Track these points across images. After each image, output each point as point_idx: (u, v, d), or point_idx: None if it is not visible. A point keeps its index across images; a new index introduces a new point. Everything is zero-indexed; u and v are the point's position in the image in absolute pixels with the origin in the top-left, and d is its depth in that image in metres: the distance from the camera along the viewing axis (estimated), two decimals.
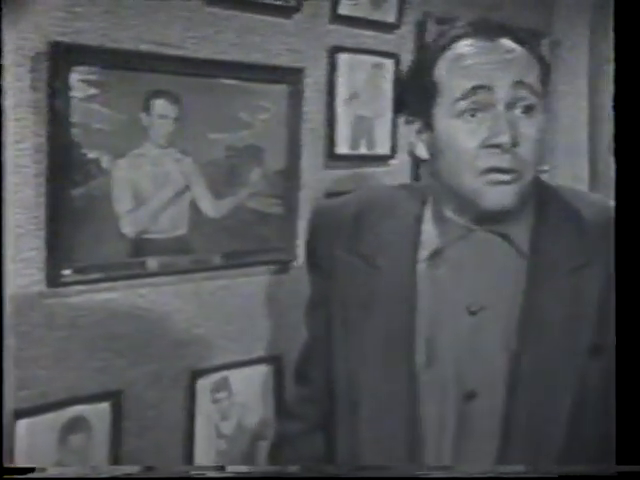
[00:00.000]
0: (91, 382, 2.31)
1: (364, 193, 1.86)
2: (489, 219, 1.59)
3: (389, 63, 2.96)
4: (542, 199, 1.64)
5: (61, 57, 2.13)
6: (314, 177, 2.83)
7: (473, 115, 1.52)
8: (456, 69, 1.53)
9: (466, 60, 1.53)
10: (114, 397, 2.34)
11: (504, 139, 1.49)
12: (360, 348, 1.65)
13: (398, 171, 3.04)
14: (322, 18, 2.84)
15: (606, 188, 3.30)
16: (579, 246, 1.59)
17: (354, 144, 2.94)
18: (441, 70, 1.55)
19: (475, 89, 1.50)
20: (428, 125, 1.58)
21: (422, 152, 1.63)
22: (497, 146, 1.49)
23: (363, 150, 2.97)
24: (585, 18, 3.42)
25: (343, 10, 2.86)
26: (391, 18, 2.97)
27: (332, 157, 2.89)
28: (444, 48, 1.56)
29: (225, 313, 2.63)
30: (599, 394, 1.53)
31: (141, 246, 2.37)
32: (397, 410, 1.62)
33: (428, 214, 1.67)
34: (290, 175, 2.75)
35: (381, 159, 3.03)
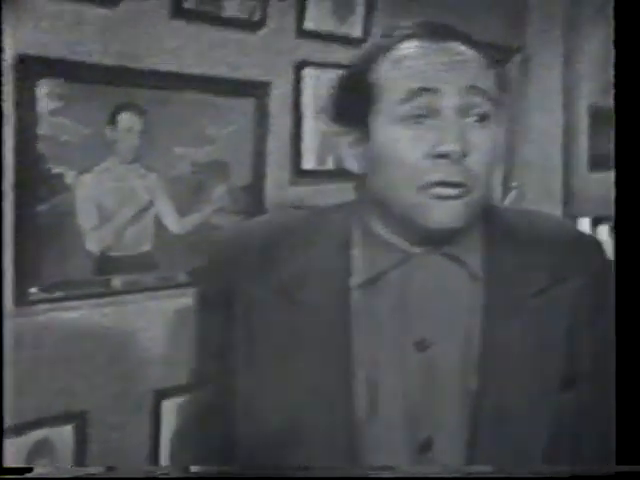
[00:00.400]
0: (55, 403, 2.27)
1: (276, 217, 1.63)
2: (435, 240, 1.39)
3: None
4: (491, 218, 1.46)
5: (27, 70, 2.11)
6: (279, 193, 2.82)
7: (417, 122, 1.32)
8: (399, 70, 1.35)
9: (411, 61, 1.35)
10: (78, 419, 2.31)
11: (453, 148, 1.30)
12: (281, 402, 1.39)
13: None
14: (288, 33, 2.85)
15: (583, 204, 3.34)
16: (540, 267, 1.42)
17: (321, 160, 2.94)
18: (381, 72, 1.36)
19: (420, 91, 1.32)
20: (364, 135, 1.37)
21: (354, 165, 1.42)
22: (444, 156, 1.31)
23: (330, 166, 2.97)
24: (558, 34, 3.46)
25: (309, 25, 2.87)
26: (357, 32, 2.98)
27: (298, 173, 2.88)
28: (386, 49, 1.37)
29: (190, 332, 2.59)
30: (576, 426, 1.39)
31: (105, 263, 2.34)
32: (338, 470, 1.38)
33: (358, 236, 1.43)
34: (255, 191, 2.74)
35: (348, 175, 2.99)
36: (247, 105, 2.70)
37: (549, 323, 1.40)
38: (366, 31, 3.00)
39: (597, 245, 1.52)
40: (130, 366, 2.46)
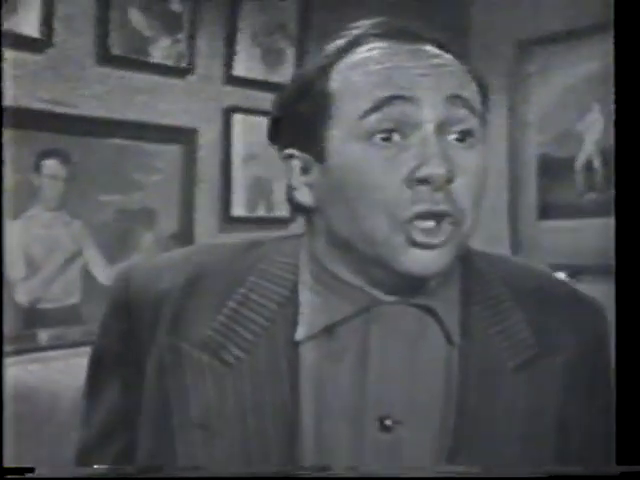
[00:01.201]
0: None
1: (198, 253, 1.23)
2: (409, 287, 1.11)
3: None
4: (469, 264, 1.19)
5: None
6: (209, 241, 2.81)
7: (387, 138, 1.05)
8: (362, 75, 1.08)
9: (377, 64, 1.08)
10: None
11: (436, 170, 1.03)
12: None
13: None
14: (216, 79, 2.87)
15: (532, 251, 3.38)
16: (526, 333, 1.17)
17: (251, 206, 2.95)
18: (338, 79, 1.08)
19: (391, 99, 1.05)
20: (316, 155, 1.10)
21: (306, 198, 1.12)
22: (425, 181, 1.04)
23: (261, 212, 2.98)
24: (501, 82, 3.52)
25: (238, 71, 2.89)
26: (288, 80, 2.98)
27: (228, 220, 2.89)
28: (343, 51, 1.11)
29: None
30: None
31: (33, 316, 2.31)
32: None
33: (307, 278, 1.15)
34: (184, 239, 2.73)
35: (280, 222, 3.03)
36: (175, 151, 2.71)
37: (538, 398, 1.16)
38: None
39: (598, 309, 1.25)
40: (55, 430, 2.41)
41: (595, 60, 3.11)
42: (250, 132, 2.91)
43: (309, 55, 1.18)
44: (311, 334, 1.11)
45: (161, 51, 2.69)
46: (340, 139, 1.07)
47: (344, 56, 1.09)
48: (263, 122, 3.09)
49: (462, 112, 1.07)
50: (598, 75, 3.12)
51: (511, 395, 1.14)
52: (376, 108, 1.05)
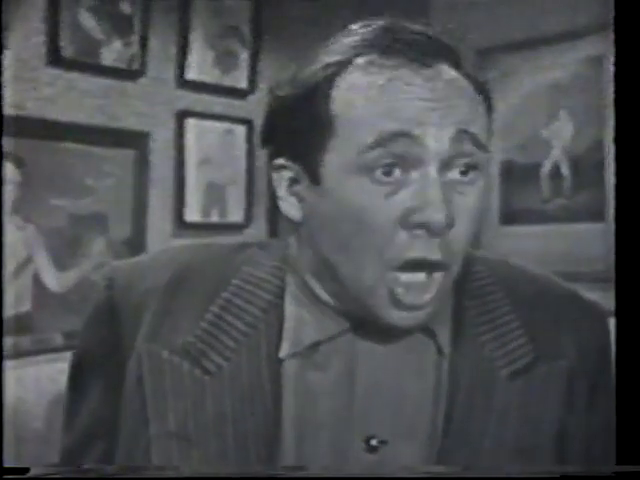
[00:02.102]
0: None
1: (183, 254, 1.20)
2: None
3: (242, 129, 3.02)
4: (465, 270, 1.13)
5: None
6: (162, 247, 2.81)
7: (388, 173, 1.00)
8: (364, 101, 1.01)
9: (382, 91, 1.01)
10: None
11: (438, 218, 0.99)
12: None
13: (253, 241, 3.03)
14: (168, 82, 2.87)
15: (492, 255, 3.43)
16: (523, 336, 1.14)
17: (205, 212, 2.95)
18: (339, 101, 1.02)
19: (396, 136, 1.00)
20: (311, 174, 1.05)
21: (294, 211, 1.08)
22: (423, 226, 1.00)
23: (215, 218, 2.99)
24: None
25: (191, 75, 2.90)
26: (242, 84, 3.03)
27: (181, 225, 2.89)
28: (344, 64, 1.03)
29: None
30: None
31: None
32: None
33: (293, 289, 1.12)
34: (136, 244, 2.73)
35: (235, 228, 3.05)
36: (127, 156, 2.71)
37: (534, 410, 1.12)
38: (252, 83, 3.05)
39: (598, 313, 1.22)
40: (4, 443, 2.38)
41: (559, 68, 3.18)
42: (203, 136, 2.93)
43: (308, 54, 1.07)
44: (296, 351, 1.09)
45: (112, 54, 2.69)
46: (338, 168, 1.02)
47: (347, 68, 1.03)
48: (217, 126, 3.11)
49: (468, 148, 1.02)
50: (564, 83, 3.17)
51: (504, 404, 1.10)
52: (379, 144, 1.00)
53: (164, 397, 1.07)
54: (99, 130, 2.64)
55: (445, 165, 1.01)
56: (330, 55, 1.04)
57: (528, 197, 3.33)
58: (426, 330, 1.09)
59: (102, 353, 1.14)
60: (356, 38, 1.04)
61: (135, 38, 2.74)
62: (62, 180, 2.52)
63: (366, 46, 1.03)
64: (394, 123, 0.99)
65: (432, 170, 1.00)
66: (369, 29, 1.05)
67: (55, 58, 2.54)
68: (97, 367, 1.15)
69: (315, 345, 1.09)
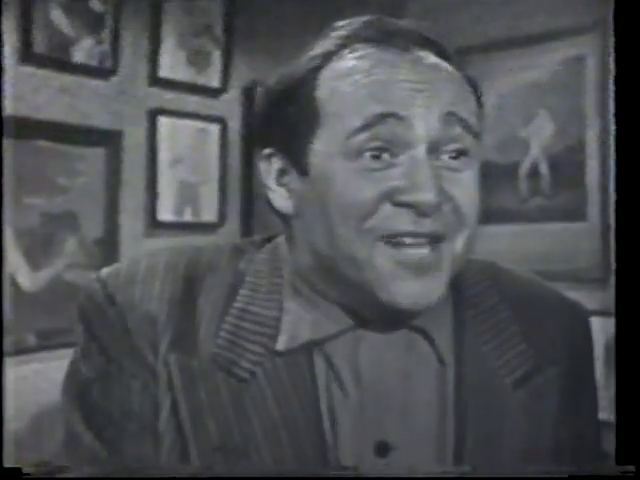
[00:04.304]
0: None
1: (182, 262, 1.17)
2: (400, 313, 1.09)
3: (215, 128, 3.10)
4: (461, 274, 1.16)
5: None
6: (134, 246, 2.87)
7: (377, 157, 1.03)
8: (350, 86, 1.04)
9: (367, 75, 1.04)
10: None
11: (425, 196, 1.02)
12: None
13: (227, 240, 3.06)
14: (141, 80, 2.94)
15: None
16: (523, 343, 1.17)
17: (178, 211, 3.02)
18: (325, 88, 1.06)
19: (382, 117, 1.02)
20: (299, 165, 1.08)
21: (283, 204, 1.11)
22: (411, 205, 1.03)
23: (188, 217, 3.06)
24: None
25: (163, 73, 2.97)
26: (215, 83, 3.11)
27: (154, 225, 2.95)
28: (330, 55, 1.07)
29: (39, 404, 2.53)
30: None
31: None
32: None
33: (289, 286, 1.14)
34: (108, 244, 2.79)
35: (208, 227, 3.11)
36: (99, 154, 2.77)
37: (535, 418, 1.15)
38: (225, 81, 3.13)
39: (580, 313, 1.28)
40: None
41: (538, 68, 3.25)
42: (176, 135, 3.00)
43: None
44: (291, 347, 1.10)
45: (84, 51, 2.75)
46: (326, 155, 1.05)
47: (332, 59, 1.07)
48: (189, 125, 3.16)
49: (457, 131, 1.05)
50: (543, 82, 3.25)
51: (512, 411, 1.14)
52: (366, 127, 1.02)
53: (200, 410, 1.08)
54: (71, 128, 2.71)
55: (434, 148, 1.03)
56: (316, 49, 1.08)
57: (506, 197, 3.36)
58: (426, 335, 1.12)
59: (100, 358, 1.13)
60: (341, 32, 1.09)
61: (107, 36, 2.80)
62: (35, 179, 2.58)
63: (351, 37, 1.07)
64: (380, 105, 1.02)
65: (421, 151, 1.03)
66: (354, 24, 1.09)
67: (27, 55, 2.60)
68: (96, 373, 1.14)
69: (313, 343, 1.10)
